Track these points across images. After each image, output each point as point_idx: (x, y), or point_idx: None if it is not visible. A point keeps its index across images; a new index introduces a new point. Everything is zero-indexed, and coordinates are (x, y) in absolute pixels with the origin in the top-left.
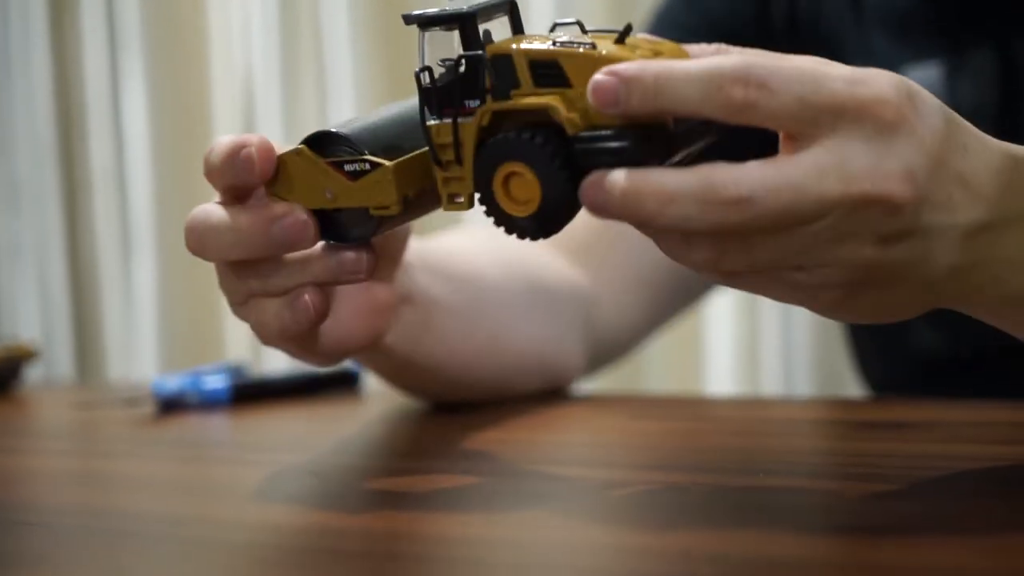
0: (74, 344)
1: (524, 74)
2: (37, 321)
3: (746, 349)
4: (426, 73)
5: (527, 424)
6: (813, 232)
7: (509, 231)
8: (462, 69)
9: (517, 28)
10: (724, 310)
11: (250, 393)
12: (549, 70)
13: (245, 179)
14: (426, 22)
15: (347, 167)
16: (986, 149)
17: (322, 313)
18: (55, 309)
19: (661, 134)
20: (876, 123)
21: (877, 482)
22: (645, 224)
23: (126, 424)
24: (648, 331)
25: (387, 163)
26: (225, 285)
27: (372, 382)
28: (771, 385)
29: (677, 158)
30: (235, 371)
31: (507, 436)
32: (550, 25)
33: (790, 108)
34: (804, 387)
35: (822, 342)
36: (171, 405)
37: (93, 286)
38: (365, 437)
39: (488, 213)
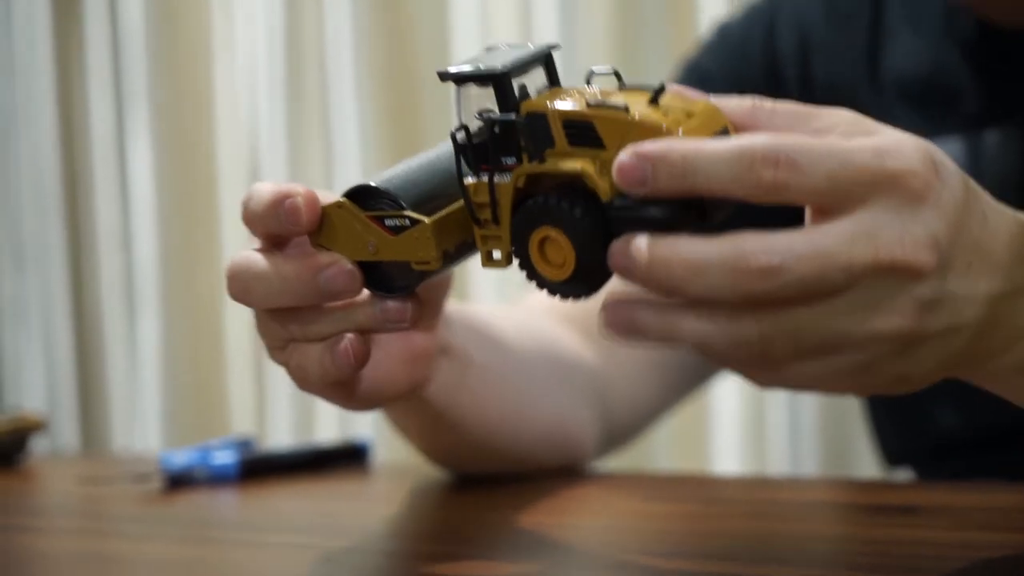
0: (79, 410)
1: (558, 133)
2: (42, 387)
3: (753, 425)
4: (462, 132)
5: (539, 505)
6: (846, 307)
7: (548, 292)
8: (497, 129)
9: (553, 79)
10: (731, 386)
11: (258, 468)
12: (583, 130)
13: (290, 229)
14: (461, 80)
15: (387, 222)
16: (1002, 217)
17: (363, 360)
18: (60, 375)
19: (694, 200)
20: (904, 194)
21: (885, 572)
22: (672, 292)
23: (134, 501)
24: (658, 413)
25: (426, 220)
26: (264, 330)
27: (381, 456)
28: (778, 461)
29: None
30: (243, 445)
31: (520, 518)
32: (586, 74)
33: (820, 186)
34: (811, 463)
35: (829, 418)
36: (179, 481)
37: (98, 347)
38: (376, 517)
39: (525, 272)
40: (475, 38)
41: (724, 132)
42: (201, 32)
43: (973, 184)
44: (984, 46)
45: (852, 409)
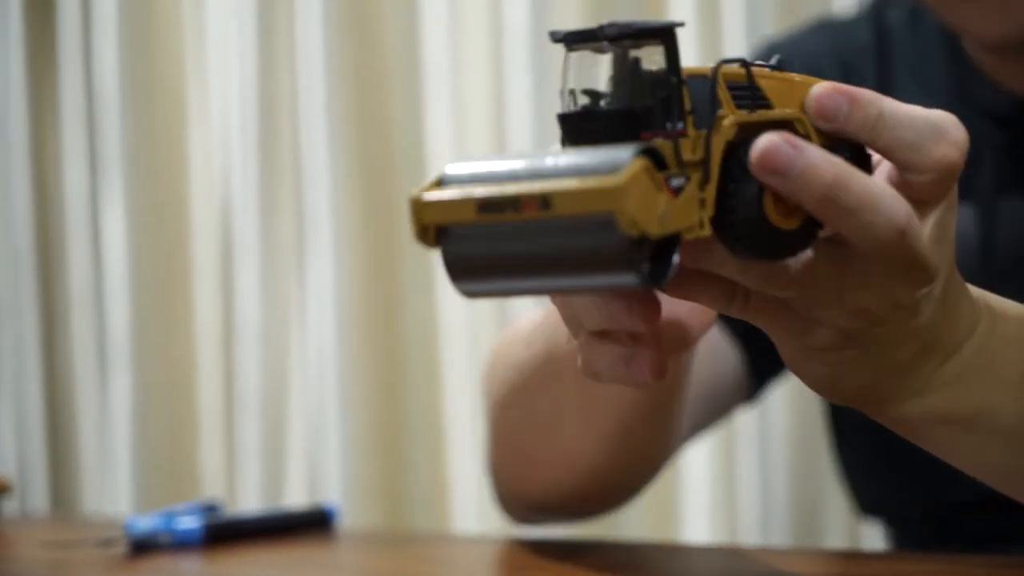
0: (49, 472)
1: (725, 96)
2: (12, 449)
3: (723, 489)
4: (633, 97)
5: (504, 573)
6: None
7: (775, 250)
8: (666, 91)
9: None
10: (701, 451)
11: (224, 533)
12: (749, 91)
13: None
14: (619, 36)
15: (673, 182)
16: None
17: (663, 374)
18: (31, 437)
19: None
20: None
21: None
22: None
23: (99, 566)
24: (682, 445)
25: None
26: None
27: (348, 522)
28: (748, 527)
29: None
30: (208, 510)
31: None
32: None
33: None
34: (781, 529)
35: (800, 484)
36: (144, 546)
37: (69, 410)
38: None
39: (738, 233)
40: (447, 99)
41: None
42: (175, 99)
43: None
44: (1001, 112)
45: (824, 468)
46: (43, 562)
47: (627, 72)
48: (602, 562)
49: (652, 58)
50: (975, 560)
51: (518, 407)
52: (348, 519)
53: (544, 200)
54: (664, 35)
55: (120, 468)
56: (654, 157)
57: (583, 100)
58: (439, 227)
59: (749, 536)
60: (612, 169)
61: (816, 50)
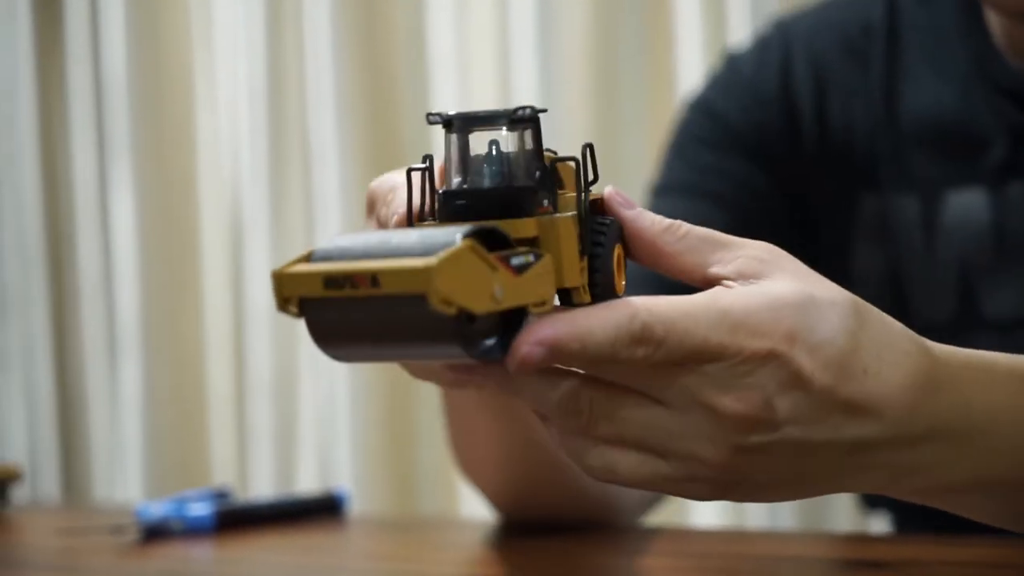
0: (60, 460)
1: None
2: (23, 436)
3: None
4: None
5: (514, 560)
6: (670, 416)
7: None
8: (533, 171)
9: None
10: None
11: (234, 519)
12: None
13: None
14: (477, 122)
15: (513, 261)
16: (896, 369)
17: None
18: (42, 424)
19: None
20: (749, 361)
21: None
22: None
23: (110, 553)
24: None
25: (546, 254)
26: None
27: (358, 507)
28: (755, 510)
29: None
30: (219, 496)
31: (496, 572)
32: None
33: (678, 359)
34: (788, 512)
35: None
36: (155, 532)
37: (80, 397)
38: (352, 570)
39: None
40: (454, 87)
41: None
42: (183, 85)
43: (862, 337)
44: (1016, 89)
45: None
46: (54, 549)
47: (498, 153)
48: (608, 545)
49: (522, 140)
50: (980, 541)
51: (448, 421)
52: (359, 505)
53: (373, 278)
54: (530, 121)
55: (131, 455)
56: (491, 237)
57: (457, 179)
58: (301, 298)
59: (756, 519)
60: (436, 249)
61: (822, 33)
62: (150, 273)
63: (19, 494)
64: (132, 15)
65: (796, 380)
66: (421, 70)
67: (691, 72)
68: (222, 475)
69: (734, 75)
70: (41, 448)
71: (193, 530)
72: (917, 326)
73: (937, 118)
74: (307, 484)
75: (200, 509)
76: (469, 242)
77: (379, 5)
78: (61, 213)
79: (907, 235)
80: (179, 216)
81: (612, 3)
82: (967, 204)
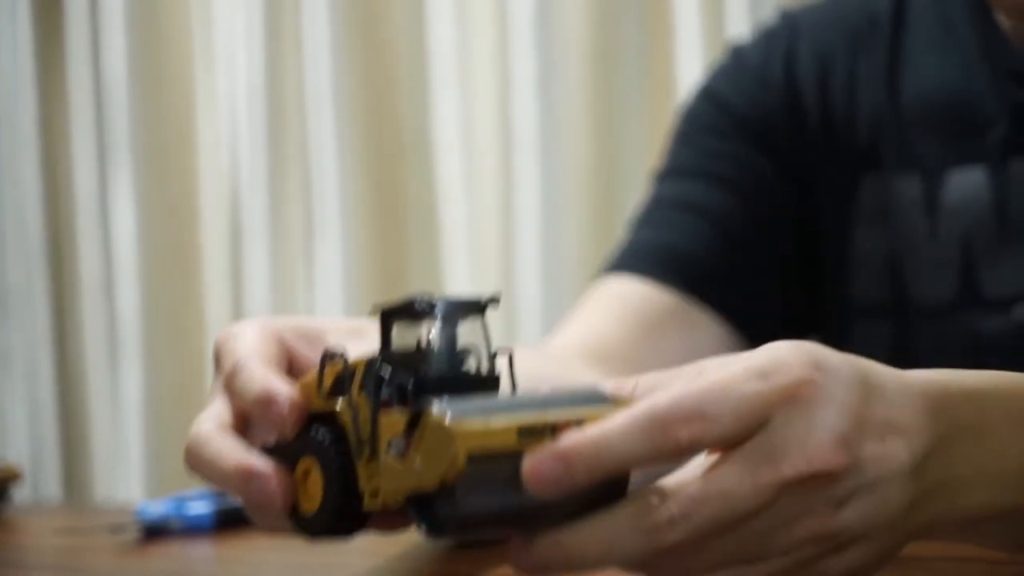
0: (62, 460)
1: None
2: (25, 437)
3: None
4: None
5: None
6: (764, 525)
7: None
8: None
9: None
10: None
11: (235, 518)
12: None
13: (272, 423)
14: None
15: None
16: (902, 385)
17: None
18: (43, 425)
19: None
20: (797, 403)
21: None
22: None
23: (110, 552)
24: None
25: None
26: None
27: None
28: None
29: None
30: (219, 495)
31: (499, 572)
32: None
33: (729, 429)
34: None
35: None
36: (155, 531)
37: (81, 398)
38: (354, 569)
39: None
40: (454, 87)
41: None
42: (183, 88)
43: (865, 365)
44: (1021, 73)
45: None
46: (55, 549)
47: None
48: None
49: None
50: None
51: None
52: None
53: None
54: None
55: (131, 454)
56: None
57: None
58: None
59: None
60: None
61: (828, 26)
62: (151, 274)
63: (20, 494)
64: (132, 16)
65: (843, 408)
66: (420, 71)
67: (690, 70)
68: None
69: (739, 64)
70: (42, 448)
71: (193, 529)
72: (916, 307)
73: (940, 97)
74: None
75: (200, 508)
76: None
77: (378, 7)
78: (62, 214)
79: (908, 215)
80: (179, 217)
81: (612, 3)
82: (969, 182)
